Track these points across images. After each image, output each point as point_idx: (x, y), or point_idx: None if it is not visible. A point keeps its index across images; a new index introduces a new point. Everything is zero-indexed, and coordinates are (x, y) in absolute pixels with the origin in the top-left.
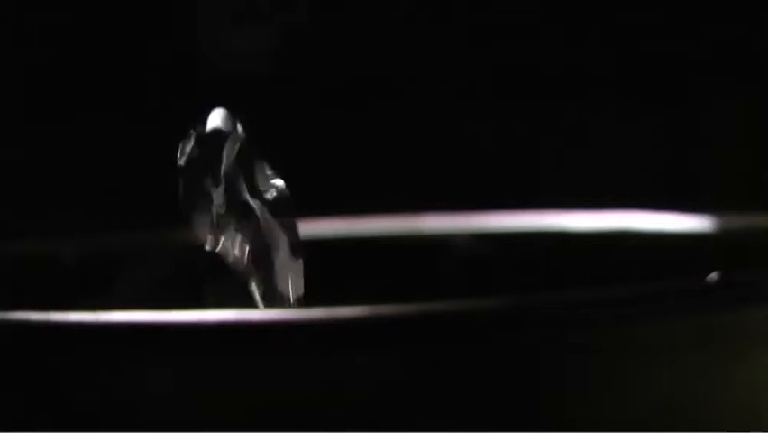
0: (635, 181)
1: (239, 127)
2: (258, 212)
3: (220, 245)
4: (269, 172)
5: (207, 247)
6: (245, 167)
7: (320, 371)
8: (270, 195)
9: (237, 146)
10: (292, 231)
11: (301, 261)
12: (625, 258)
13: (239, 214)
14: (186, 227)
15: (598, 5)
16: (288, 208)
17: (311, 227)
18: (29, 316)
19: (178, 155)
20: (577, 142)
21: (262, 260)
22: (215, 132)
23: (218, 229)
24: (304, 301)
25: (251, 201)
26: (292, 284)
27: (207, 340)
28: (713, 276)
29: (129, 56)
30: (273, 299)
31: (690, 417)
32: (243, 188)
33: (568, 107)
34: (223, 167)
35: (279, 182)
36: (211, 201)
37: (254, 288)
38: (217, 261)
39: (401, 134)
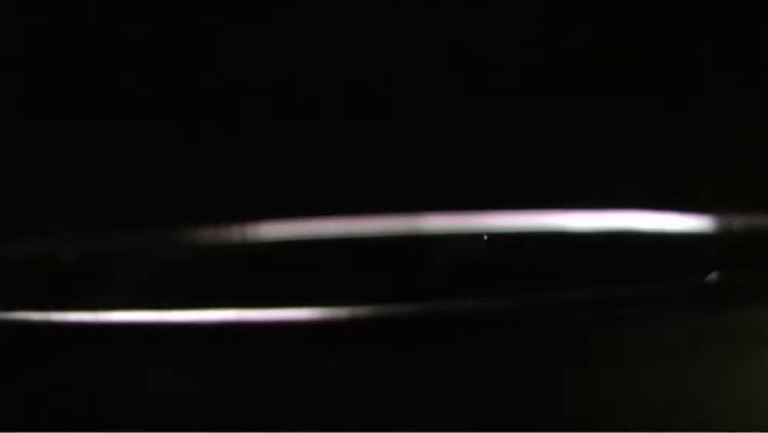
0: (635, 181)
1: None
2: None
3: None
4: None
5: None
6: None
7: (319, 370)
8: None
9: None
10: None
11: None
12: (625, 258)
13: None
14: (186, 227)
15: (597, 5)
16: None
17: (311, 227)
18: (29, 316)
19: None
20: (577, 142)
21: None
22: None
23: None
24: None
25: None
26: None
27: (207, 340)
28: (713, 276)
29: (129, 56)
30: None
31: (690, 417)
32: None
33: (568, 107)
34: None
35: None
36: None
37: None
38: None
39: (401, 134)
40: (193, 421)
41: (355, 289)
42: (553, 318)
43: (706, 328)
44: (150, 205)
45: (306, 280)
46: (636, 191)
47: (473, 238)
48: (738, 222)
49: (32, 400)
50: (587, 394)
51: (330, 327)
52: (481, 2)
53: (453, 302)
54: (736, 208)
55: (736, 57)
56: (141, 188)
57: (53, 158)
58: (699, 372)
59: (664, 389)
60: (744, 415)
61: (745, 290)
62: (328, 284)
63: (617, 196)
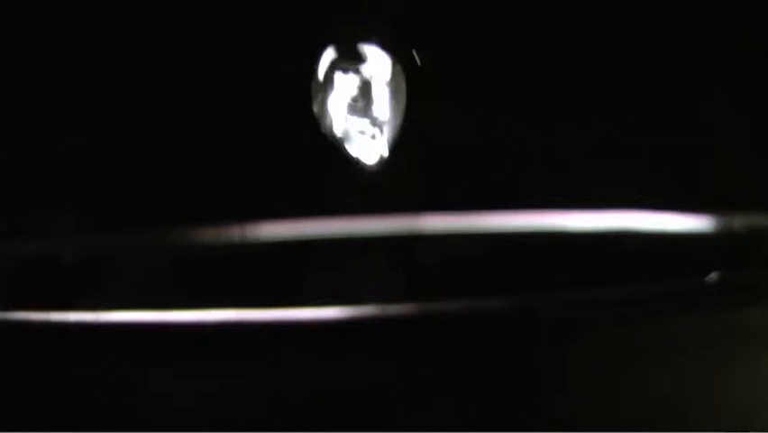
0: (635, 181)
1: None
2: None
3: None
4: None
5: None
6: None
7: (320, 370)
8: None
9: None
10: None
11: None
12: (625, 258)
13: None
14: (186, 227)
15: (597, 5)
16: None
17: (311, 227)
18: (29, 316)
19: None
20: (577, 142)
21: None
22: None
23: None
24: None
25: None
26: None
27: (207, 340)
28: (713, 276)
29: (128, 56)
30: None
31: (690, 417)
32: None
33: (568, 107)
34: None
35: None
36: None
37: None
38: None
39: (401, 134)
40: (193, 421)
41: (355, 289)
42: (552, 318)
43: (706, 328)
44: (150, 205)
45: (306, 281)
46: (636, 191)
47: (473, 238)
48: (738, 222)
49: (33, 400)
50: (587, 394)
51: (331, 327)
52: (482, 1)
53: (453, 302)
54: (736, 208)
55: (737, 55)
56: (142, 188)
57: (53, 158)
58: (699, 372)
59: (664, 389)
60: (744, 415)
61: (745, 290)
62: (329, 284)
63: (617, 196)
